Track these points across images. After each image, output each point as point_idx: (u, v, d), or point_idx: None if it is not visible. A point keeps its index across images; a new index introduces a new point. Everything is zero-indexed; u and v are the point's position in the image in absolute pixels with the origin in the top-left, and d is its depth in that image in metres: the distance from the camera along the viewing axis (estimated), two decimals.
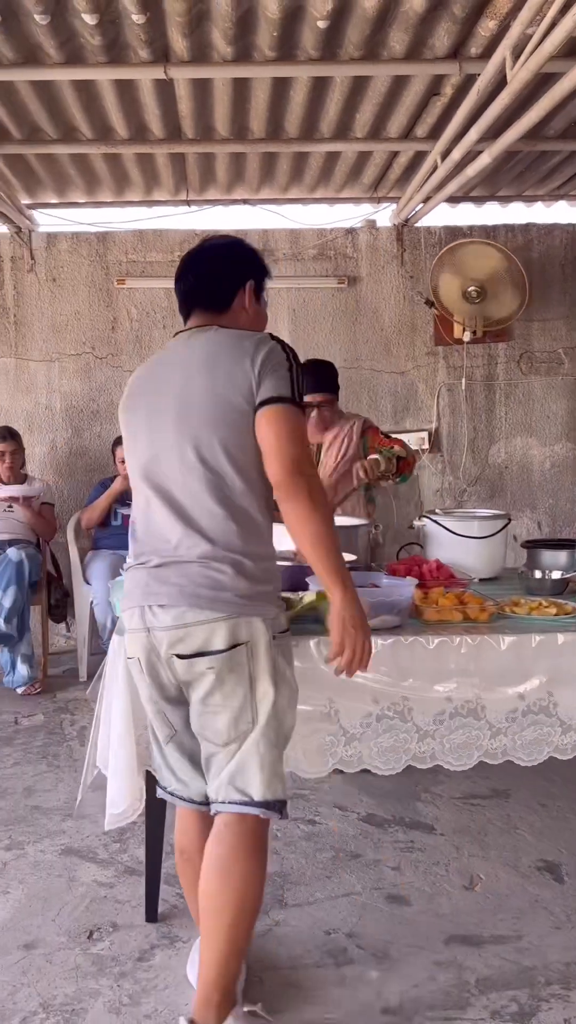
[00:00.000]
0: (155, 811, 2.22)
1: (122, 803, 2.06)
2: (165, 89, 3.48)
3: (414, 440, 5.29)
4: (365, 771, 3.03)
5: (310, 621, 2.21)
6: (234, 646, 1.73)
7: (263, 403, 1.74)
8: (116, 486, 4.69)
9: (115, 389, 5.21)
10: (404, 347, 5.31)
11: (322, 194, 5.12)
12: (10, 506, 4.60)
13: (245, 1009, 1.82)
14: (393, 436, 3.37)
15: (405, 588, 2.24)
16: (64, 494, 5.23)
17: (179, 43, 3.04)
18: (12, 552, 4.34)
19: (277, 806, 1.77)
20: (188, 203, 5.10)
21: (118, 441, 4.80)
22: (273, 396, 1.74)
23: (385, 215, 5.30)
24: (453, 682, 2.15)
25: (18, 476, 4.77)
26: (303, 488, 1.72)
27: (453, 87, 3.51)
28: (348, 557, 2.53)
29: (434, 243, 5.27)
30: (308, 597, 2.21)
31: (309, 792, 3.04)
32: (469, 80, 3.33)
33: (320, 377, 3.36)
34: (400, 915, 2.29)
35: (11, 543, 4.48)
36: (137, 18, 2.82)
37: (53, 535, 4.81)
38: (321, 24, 2.91)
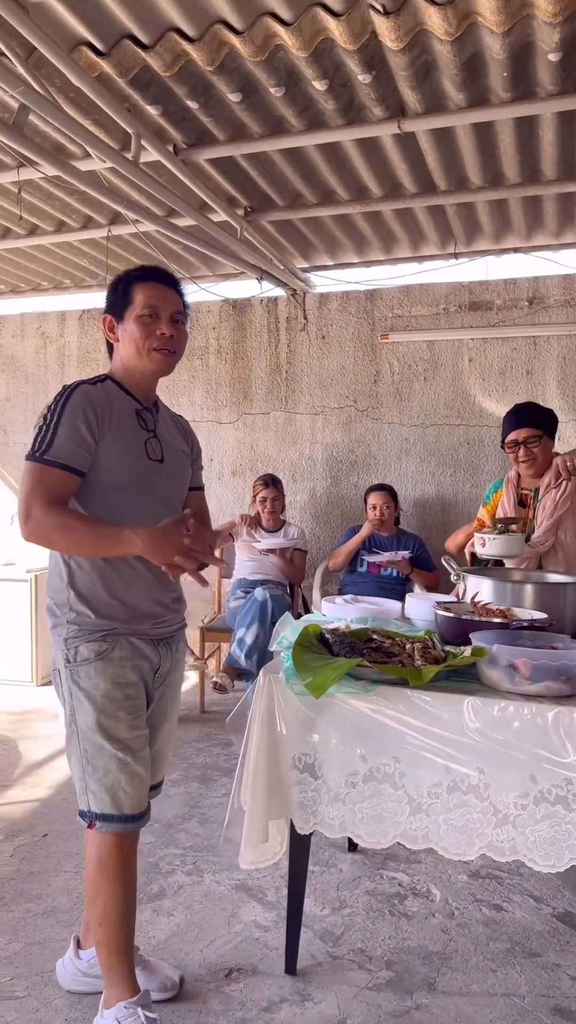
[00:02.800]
0: (299, 856, 2.16)
1: (255, 843, 2.03)
2: (408, 144, 3.54)
3: None
4: None
5: (469, 679, 2.05)
6: (54, 669, 2.01)
7: None
8: (363, 531, 4.75)
9: (373, 440, 5.31)
10: None
11: None
12: (266, 553, 4.86)
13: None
14: None
15: None
16: (320, 540, 5.40)
17: (410, 96, 3.08)
18: (258, 592, 4.55)
19: (87, 816, 1.94)
20: (455, 256, 5.08)
21: (371, 489, 4.88)
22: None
23: None
24: None
25: (277, 521, 5.03)
26: (34, 537, 1.86)
27: None
28: (538, 615, 2.33)
29: None
30: (467, 651, 2.04)
31: (506, 876, 2.76)
32: None
33: (522, 415, 3.15)
34: None
35: (262, 583, 4.71)
36: (363, 77, 2.92)
37: (302, 579, 4.97)
38: (553, 57, 2.78)
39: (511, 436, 3.16)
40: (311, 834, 2.15)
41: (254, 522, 4.98)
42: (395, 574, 4.72)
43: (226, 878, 2.73)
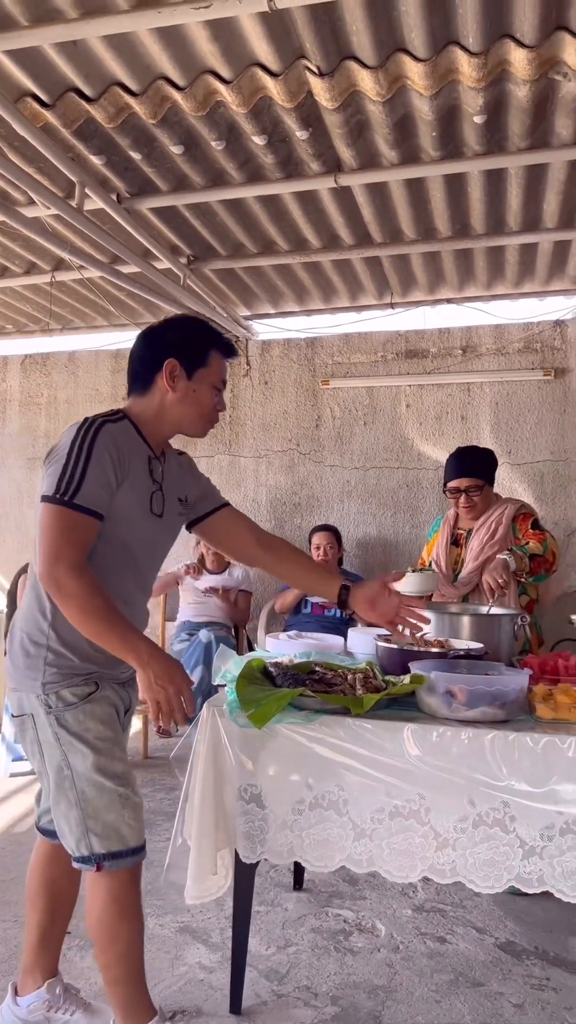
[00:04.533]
0: (243, 891, 2.15)
1: (200, 877, 2.02)
2: (344, 197, 3.69)
3: None
4: (517, 893, 2.77)
5: (409, 707, 2.09)
6: (22, 715, 1.93)
7: (40, 499, 1.85)
8: None
9: (316, 483, 5.40)
10: None
11: (529, 288, 5.04)
12: (208, 592, 4.87)
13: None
14: (540, 530, 3.14)
15: (512, 680, 2.04)
16: (264, 581, 5.42)
17: (345, 152, 3.23)
18: (203, 634, 4.56)
19: (93, 860, 1.87)
20: (392, 306, 5.26)
21: (315, 530, 4.95)
22: (43, 494, 1.83)
23: None
24: (564, 791, 1.90)
25: (222, 563, 5.05)
26: (53, 591, 1.79)
27: None
28: (474, 645, 2.39)
29: None
30: (407, 679, 2.09)
31: (450, 908, 2.78)
32: None
33: (465, 463, 3.25)
34: None
35: (206, 625, 4.72)
36: (301, 134, 3.05)
37: (247, 621, 4.99)
38: (478, 119, 2.95)
39: (453, 483, 3.25)
40: (255, 868, 2.15)
41: (197, 569, 5.00)
42: (339, 614, 4.77)
43: (170, 921, 2.69)
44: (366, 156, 3.29)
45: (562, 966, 2.43)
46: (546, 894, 1.90)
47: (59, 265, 4.49)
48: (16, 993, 2.12)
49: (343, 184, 3.40)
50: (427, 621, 2.27)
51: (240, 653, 4.78)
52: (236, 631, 4.97)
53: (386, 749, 1.99)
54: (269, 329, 5.58)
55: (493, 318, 5.20)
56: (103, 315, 5.45)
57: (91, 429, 1.86)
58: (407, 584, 2.90)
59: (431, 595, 3.00)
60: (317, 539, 4.87)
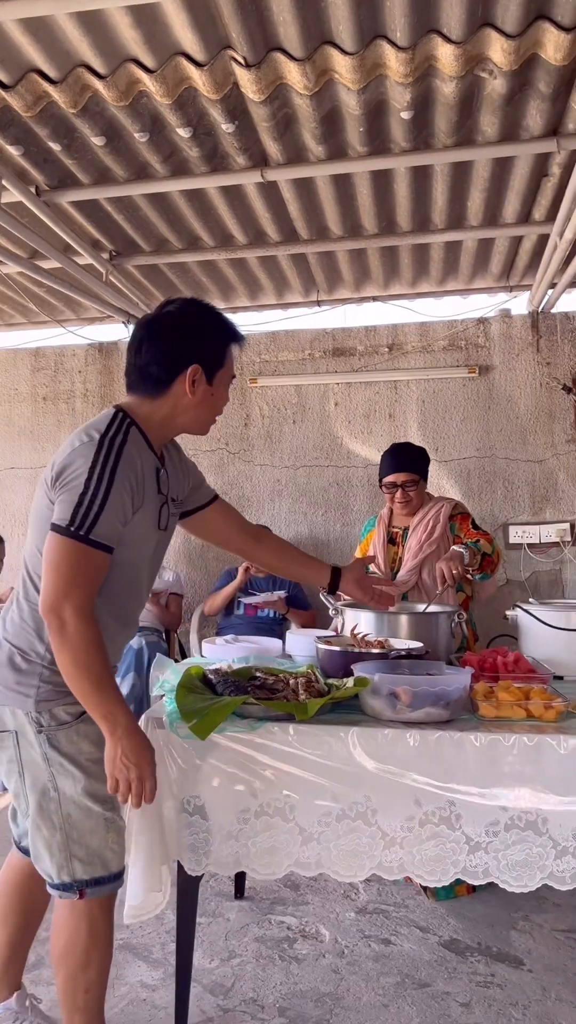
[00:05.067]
0: (186, 905, 2.08)
1: (141, 895, 1.95)
2: (271, 193, 3.64)
3: (554, 532, 4.98)
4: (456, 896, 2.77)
5: (353, 710, 2.06)
6: (2, 731, 1.83)
7: (51, 526, 1.73)
8: (240, 577, 4.74)
9: (246, 483, 5.34)
10: (542, 435, 5.06)
11: (453, 286, 5.09)
12: None
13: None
14: (481, 530, 3.17)
15: (455, 679, 2.03)
16: (195, 583, 5.35)
17: (272, 147, 3.18)
18: (133, 640, 4.44)
19: (75, 886, 1.80)
20: (319, 303, 5.25)
21: None
22: (54, 522, 1.73)
23: (521, 303, 5.19)
24: (508, 788, 1.90)
25: None
26: (53, 626, 1.69)
27: (559, 166, 3.41)
28: (414, 644, 2.38)
29: (573, 328, 5.06)
30: (350, 683, 2.06)
31: (392, 909, 2.77)
32: (573, 157, 3.25)
33: (401, 458, 3.26)
34: None
35: (137, 630, 4.60)
36: (227, 127, 2.99)
37: (178, 625, 4.90)
38: (405, 115, 2.94)
39: (390, 478, 3.24)
40: (199, 881, 2.09)
41: None
42: (272, 615, 4.72)
43: None
44: (293, 151, 3.24)
45: (505, 961, 2.44)
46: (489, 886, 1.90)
47: None
48: None
49: (270, 179, 3.34)
50: (394, 591, 2.45)
51: (172, 659, 4.70)
52: (167, 636, 4.87)
53: (331, 754, 1.95)
54: None
55: (418, 316, 5.23)
56: (22, 312, 5.26)
57: (111, 454, 1.74)
58: None
59: None
60: None
